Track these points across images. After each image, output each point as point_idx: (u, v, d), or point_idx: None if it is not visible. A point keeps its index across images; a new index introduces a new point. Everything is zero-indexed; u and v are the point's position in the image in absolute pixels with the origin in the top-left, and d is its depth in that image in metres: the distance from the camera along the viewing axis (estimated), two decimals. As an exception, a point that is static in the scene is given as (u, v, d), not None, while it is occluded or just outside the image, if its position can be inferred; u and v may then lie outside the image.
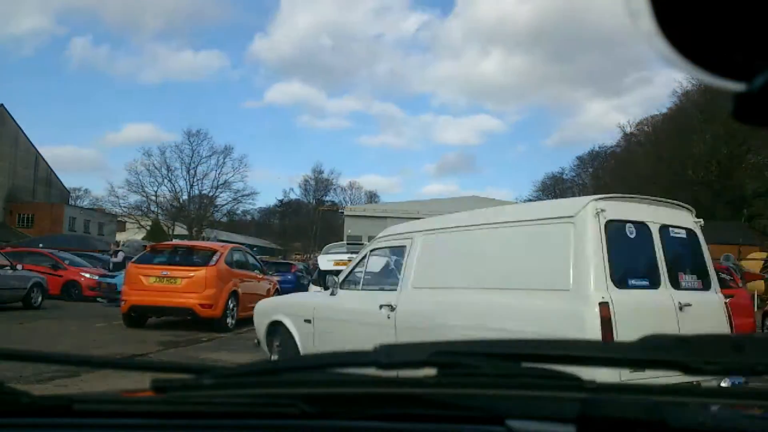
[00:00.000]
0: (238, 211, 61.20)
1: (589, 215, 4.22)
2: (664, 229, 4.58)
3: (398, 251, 5.71)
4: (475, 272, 4.92)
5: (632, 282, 4.31)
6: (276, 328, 6.66)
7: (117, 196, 51.92)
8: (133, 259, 12.16)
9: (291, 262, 30.16)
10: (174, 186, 53.72)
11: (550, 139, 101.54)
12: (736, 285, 10.55)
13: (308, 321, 6.23)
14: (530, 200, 60.47)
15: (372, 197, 73.20)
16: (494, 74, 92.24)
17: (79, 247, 25.21)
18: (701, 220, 5.01)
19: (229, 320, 10.97)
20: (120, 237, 45.19)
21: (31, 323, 11.11)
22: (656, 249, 4.47)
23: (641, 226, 4.46)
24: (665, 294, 4.38)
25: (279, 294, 13.64)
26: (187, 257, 11.61)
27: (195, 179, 54.04)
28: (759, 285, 20.98)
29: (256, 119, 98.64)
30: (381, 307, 5.34)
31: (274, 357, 6.43)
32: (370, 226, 50.74)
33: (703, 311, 4.49)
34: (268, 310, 7.03)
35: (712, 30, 0.47)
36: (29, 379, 5.61)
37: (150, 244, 15.85)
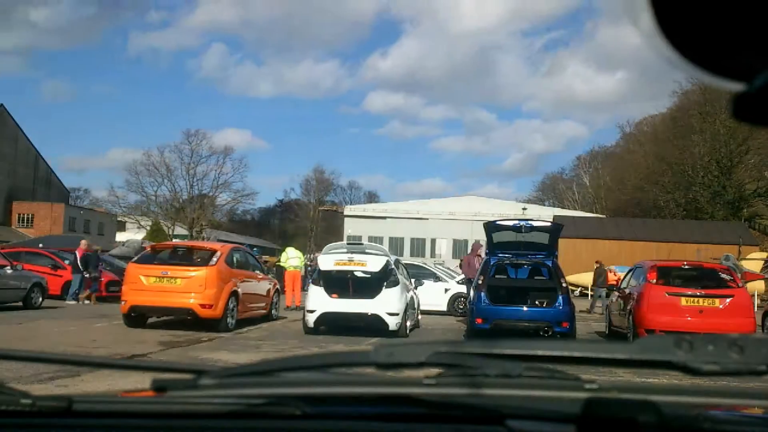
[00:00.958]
0: (238, 211, 61.23)
1: None
2: None
3: None
4: None
5: None
6: None
7: (117, 196, 52.08)
8: (133, 259, 12.19)
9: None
10: (174, 186, 53.87)
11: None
12: (736, 285, 10.56)
13: None
14: (530, 201, 60.47)
15: (372, 197, 73.17)
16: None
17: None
18: None
19: (229, 320, 10.95)
20: (120, 237, 45.23)
21: (31, 323, 11.10)
22: None
23: None
24: None
25: (279, 294, 13.68)
26: (187, 257, 11.59)
27: (195, 179, 54.19)
28: (759, 285, 21.01)
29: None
30: None
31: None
32: (371, 226, 50.83)
33: None
34: None
35: (712, 30, 0.47)
36: (29, 379, 5.61)
37: (150, 244, 15.83)
